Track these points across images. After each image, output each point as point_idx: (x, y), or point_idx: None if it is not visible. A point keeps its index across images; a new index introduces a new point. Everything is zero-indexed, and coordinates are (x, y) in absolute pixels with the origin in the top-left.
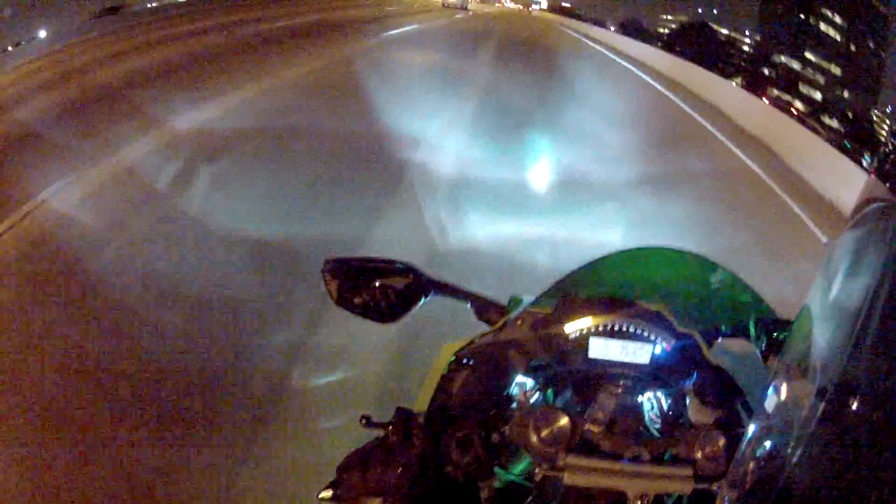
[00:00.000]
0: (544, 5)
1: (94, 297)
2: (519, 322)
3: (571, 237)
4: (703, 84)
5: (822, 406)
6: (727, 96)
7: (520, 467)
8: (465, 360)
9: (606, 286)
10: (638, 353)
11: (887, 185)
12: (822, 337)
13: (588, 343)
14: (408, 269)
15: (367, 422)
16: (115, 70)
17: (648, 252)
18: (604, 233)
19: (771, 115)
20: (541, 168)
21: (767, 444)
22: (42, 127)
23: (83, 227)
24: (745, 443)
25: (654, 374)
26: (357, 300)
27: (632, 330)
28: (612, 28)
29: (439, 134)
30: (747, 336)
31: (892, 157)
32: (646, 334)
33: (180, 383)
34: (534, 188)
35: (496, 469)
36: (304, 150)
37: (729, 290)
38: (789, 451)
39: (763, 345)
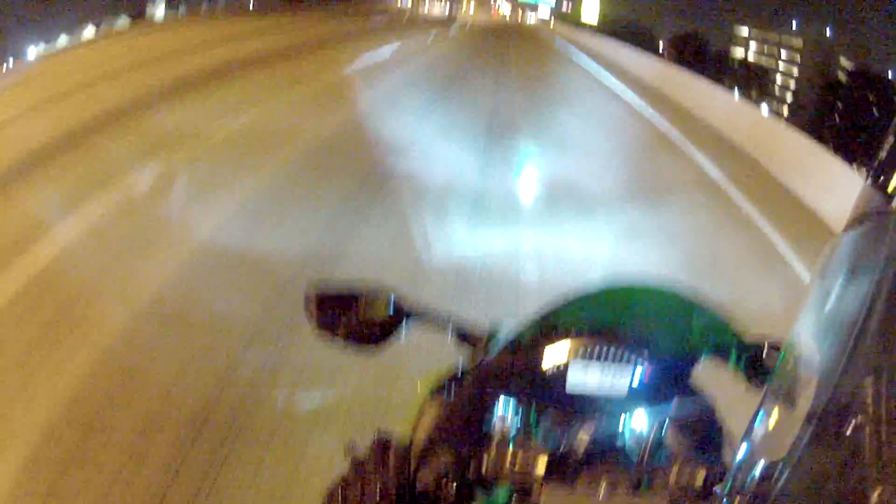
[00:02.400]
0: (544, 13)
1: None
2: (499, 350)
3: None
4: None
5: (811, 431)
6: None
7: (499, 500)
8: (444, 391)
9: (587, 314)
10: (618, 379)
11: (882, 193)
12: (812, 358)
13: (568, 370)
14: (388, 296)
15: (352, 449)
16: None
17: (629, 288)
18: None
19: None
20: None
21: (757, 470)
22: None
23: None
24: (732, 469)
25: (635, 401)
26: (338, 328)
27: (612, 356)
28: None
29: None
30: (728, 359)
31: (886, 165)
32: (626, 361)
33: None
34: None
35: (475, 501)
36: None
37: (711, 321)
38: (778, 476)
39: (745, 369)
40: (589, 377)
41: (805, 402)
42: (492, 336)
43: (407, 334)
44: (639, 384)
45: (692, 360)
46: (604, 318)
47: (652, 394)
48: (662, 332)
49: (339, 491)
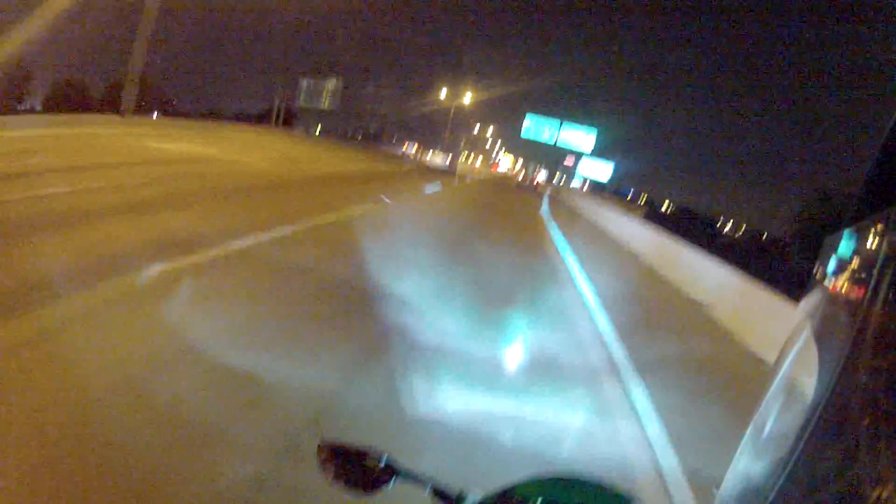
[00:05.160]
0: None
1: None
2: None
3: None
4: None
5: (810, 431)
6: None
7: None
8: None
9: (539, 493)
10: None
11: (880, 194)
12: (811, 358)
13: None
14: (382, 456)
15: None
16: None
17: (576, 480)
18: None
19: None
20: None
21: (756, 471)
22: None
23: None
24: (732, 469)
25: None
26: (339, 476)
27: None
28: None
29: None
30: None
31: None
32: None
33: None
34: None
35: None
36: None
37: None
38: (778, 477)
39: None
40: None
41: (804, 402)
42: (460, 499)
43: (394, 488)
44: None
45: None
46: (552, 497)
47: None
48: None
49: None
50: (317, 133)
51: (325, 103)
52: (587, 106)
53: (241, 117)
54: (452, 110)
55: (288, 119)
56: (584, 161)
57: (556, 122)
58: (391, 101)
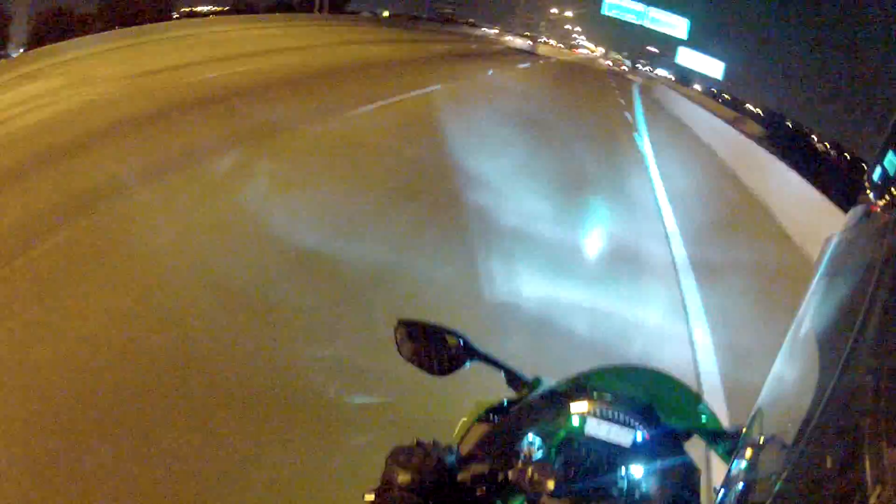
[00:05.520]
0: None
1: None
2: (538, 395)
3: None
4: None
5: (810, 431)
6: None
7: None
8: (491, 415)
9: (610, 385)
10: (623, 435)
11: (881, 192)
12: (810, 359)
13: (586, 420)
14: (458, 338)
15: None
16: None
17: (650, 372)
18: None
19: None
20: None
21: (757, 470)
22: None
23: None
24: (732, 468)
25: (632, 455)
26: (415, 355)
27: (620, 417)
28: None
29: None
30: (713, 443)
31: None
32: (631, 422)
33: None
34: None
35: (497, 502)
36: None
37: (706, 413)
38: (778, 476)
39: (725, 453)
40: (600, 430)
41: (805, 401)
42: (534, 383)
43: (468, 370)
44: (637, 444)
45: (684, 436)
46: (622, 389)
47: (646, 453)
48: (665, 410)
49: (398, 463)
50: (381, 18)
51: None
52: None
53: (281, 7)
54: None
55: (340, 4)
56: (682, 50)
57: (641, 4)
58: None
